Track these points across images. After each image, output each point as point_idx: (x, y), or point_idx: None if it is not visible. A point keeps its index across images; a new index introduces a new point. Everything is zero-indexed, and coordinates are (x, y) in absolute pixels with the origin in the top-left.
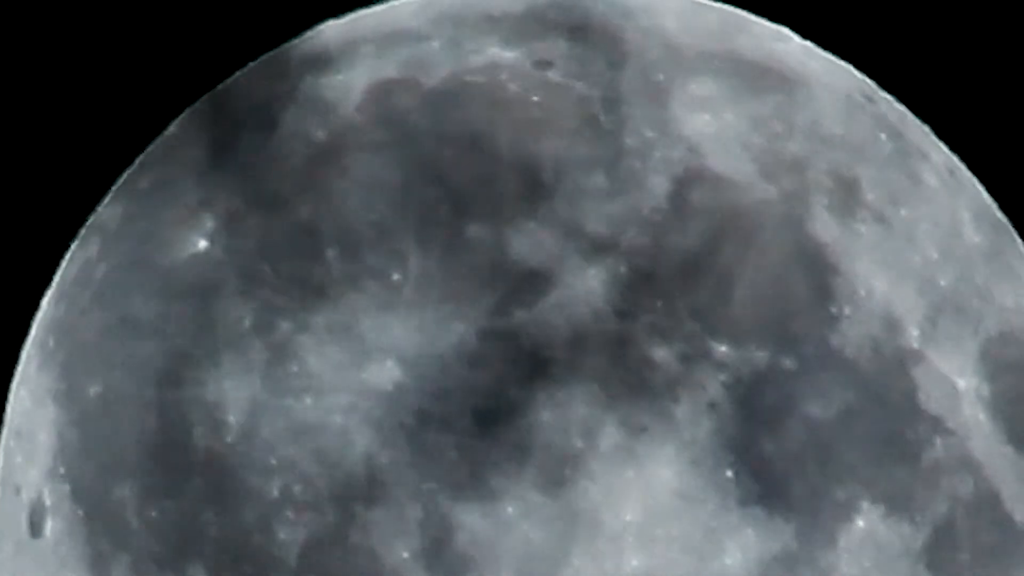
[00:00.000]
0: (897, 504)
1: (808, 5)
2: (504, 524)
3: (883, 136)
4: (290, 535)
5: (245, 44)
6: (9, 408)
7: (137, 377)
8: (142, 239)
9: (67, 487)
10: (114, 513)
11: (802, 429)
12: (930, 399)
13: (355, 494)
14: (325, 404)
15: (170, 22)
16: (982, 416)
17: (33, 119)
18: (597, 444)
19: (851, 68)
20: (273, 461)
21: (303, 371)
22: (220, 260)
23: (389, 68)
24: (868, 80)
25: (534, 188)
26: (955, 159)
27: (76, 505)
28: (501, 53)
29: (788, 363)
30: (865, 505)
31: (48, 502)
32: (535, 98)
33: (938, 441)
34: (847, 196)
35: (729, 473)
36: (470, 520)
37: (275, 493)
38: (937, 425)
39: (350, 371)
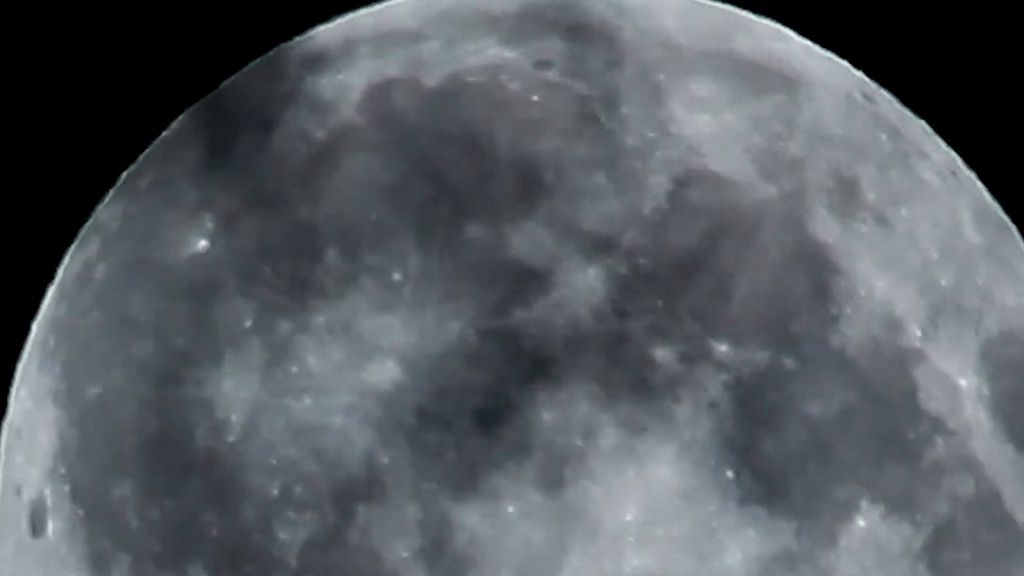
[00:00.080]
0: (898, 504)
1: (808, 5)
2: (504, 524)
3: (883, 136)
4: (290, 535)
5: (245, 44)
6: (10, 408)
7: (137, 377)
8: (142, 239)
9: (68, 487)
10: (115, 513)
11: (802, 429)
12: (931, 399)
13: (355, 494)
14: (325, 404)
15: (170, 22)
16: (983, 416)
17: (33, 119)
18: (597, 444)
19: (851, 67)
20: (273, 461)
21: (303, 371)
22: (220, 260)
23: (389, 68)
24: (868, 79)
25: (534, 188)
26: (956, 158)
27: (77, 505)
28: (501, 53)
29: (789, 363)
30: (865, 505)
31: (49, 502)
32: (535, 98)
33: (939, 441)
34: (847, 196)
35: (730, 473)
36: (470, 520)
37: (275, 493)
38: (938, 425)
39: (350, 371)
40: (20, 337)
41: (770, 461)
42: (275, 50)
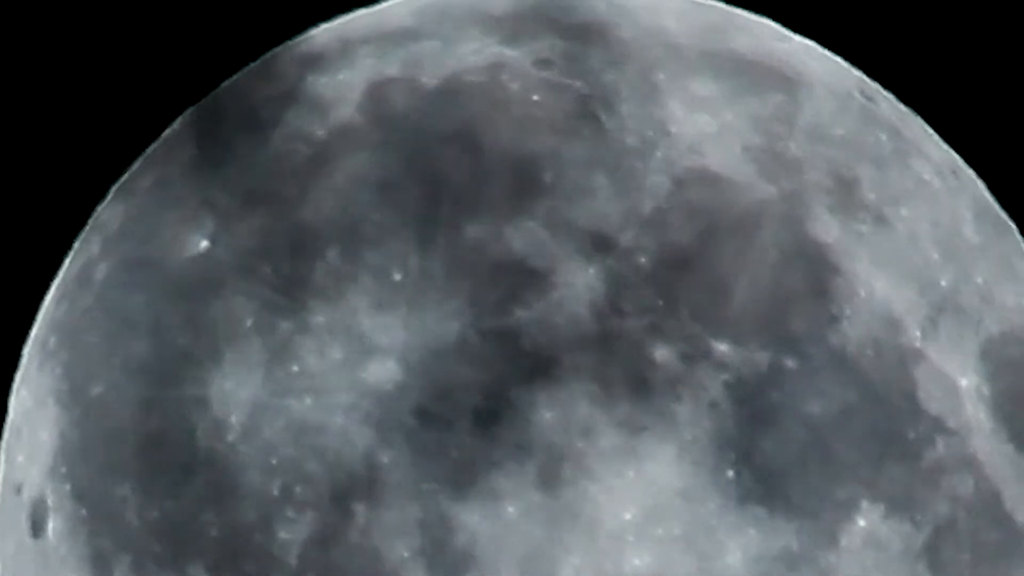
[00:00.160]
0: (898, 504)
1: (808, 5)
2: (504, 523)
3: (883, 135)
4: (290, 534)
5: (245, 44)
6: (11, 408)
7: (138, 377)
8: (143, 239)
9: (68, 486)
10: (115, 512)
11: (803, 429)
12: (931, 399)
13: (355, 494)
14: (326, 404)
15: (170, 22)
16: (983, 415)
17: (34, 119)
18: (597, 444)
19: (851, 67)
20: (273, 461)
21: (304, 371)
22: (220, 260)
23: (389, 67)
24: (868, 79)
25: (535, 187)
26: (956, 158)
27: (77, 504)
28: (501, 52)
29: (789, 363)
30: (866, 505)
31: (49, 501)
32: (535, 97)
33: (939, 441)
34: (847, 196)
35: (730, 473)
36: (470, 520)
37: (275, 492)
38: (938, 425)
39: (350, 371)
40: (21, 337)
41: (770, 461)
42: (275, 50)
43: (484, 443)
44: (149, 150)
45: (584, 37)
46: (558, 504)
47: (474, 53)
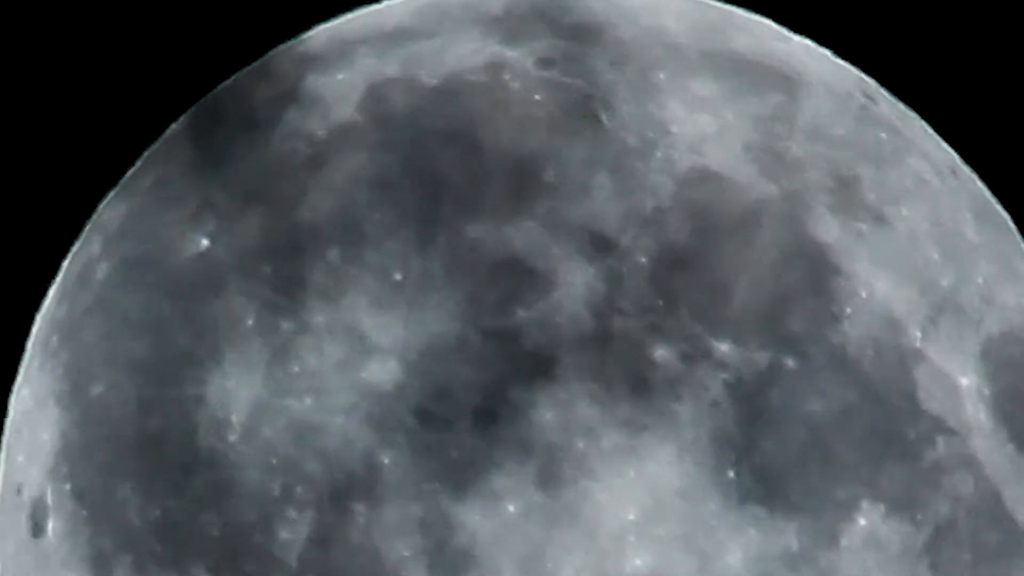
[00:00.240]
0: (898, 503)
1: (808, 5)
2: (505, 523)
3: (884, 135)
4: (291, 534)
5: (245, 44)
6: (11, 408)
7: (138, 377)
8: (144, 239)
9: (69, 486)
10: (116, 513)
11: (803, 429)
12: (931, 399)
13: (356, 493)
14: (326, 404)
15: (171, 23)
16: (983, 415)
17: (35, 119)
18: (598, 443)
19: (851, 67)
20: (274, 460)
21: (304, 371)
22: (221, 260)
23: (389, 67)
24: (868, 79)
25: (535, 187)
26: (956, 158)
27: (78, 505)
28: (502, 52)
29: (789, 363)
30: (866, 504)
31: (50, 502)
32: (536, 97)
33: (939, 440)
34: (848, 195)
35: (731, 472)
36: (471, 519)
37: (276, 492)
38: (938, 424)
39: (351, 371)
40: (22, 337)
41: (771, 460)
42: (275, 50)
43: (484, 443)
44: (149, 150)
45: (584, 37)
46: (558, 504)
47: (474, 53)
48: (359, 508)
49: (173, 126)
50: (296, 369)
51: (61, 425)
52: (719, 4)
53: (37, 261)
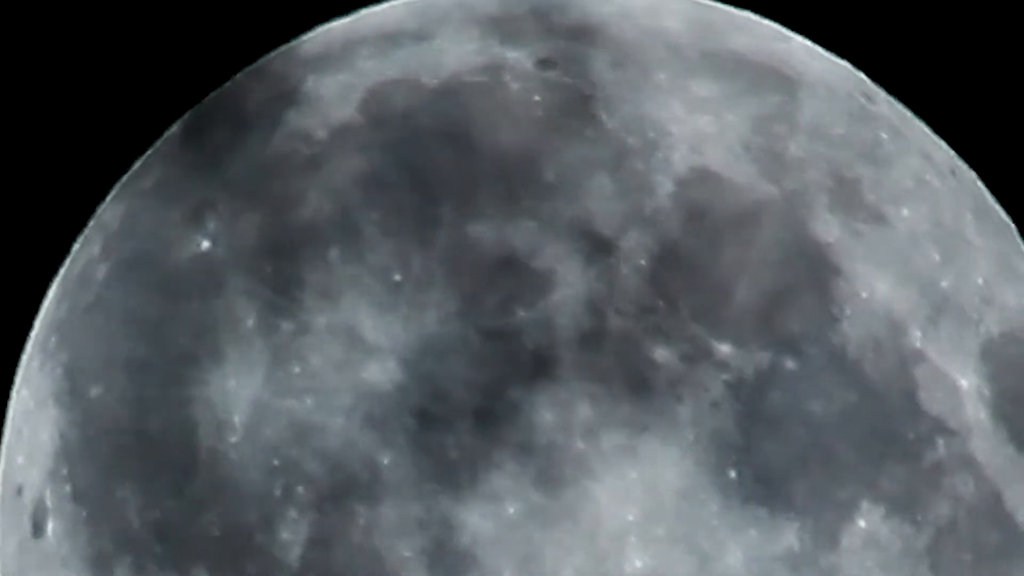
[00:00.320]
0: (899, 504)
1: (808, 5)
2: (506, 524)
3: (884, 136)
4: (292, 535)
5: (246, 45)
6: (11, 408)
7: (139, 377)
8: (144, 239)
9: (69, 487)
10: (116, 513)
11: (804, 429)
12: (931, 399)
13: (357, 494)
14: (327, 404)
15: (171, 23)
16: (984, 416)
17: (35, 119)
18: (599, 444)
19: (851, 68)
20: (275, 461)
21: (305, 371)
22: (222, 260)
23: (389, 68)
24: (868, 80)
25: (536, 188)
26: (956, 158)
27: (78, 505)
28: (502, 53)
29: (790, 363)
30: (867, 505)
31: (50, 502)
32: (537, 98)
33: (940, 441)
34: (848, 196)
35: (731, 473)
36: (471, 520)
37: (277, 493)
38: (938, 425)
39: (352, 371)
40: (21, 337)
41: (771, 461)
42: (276, 51)
43: (485, 443)
44: (150, 150)
45: (585, 37)
46: (559, 504)
47: (475, 53)
48: (360, 509)
49: (173, 127)
50: (296, 369)
51: (61, 426)
52: (719, 4)
53: (37, 261)
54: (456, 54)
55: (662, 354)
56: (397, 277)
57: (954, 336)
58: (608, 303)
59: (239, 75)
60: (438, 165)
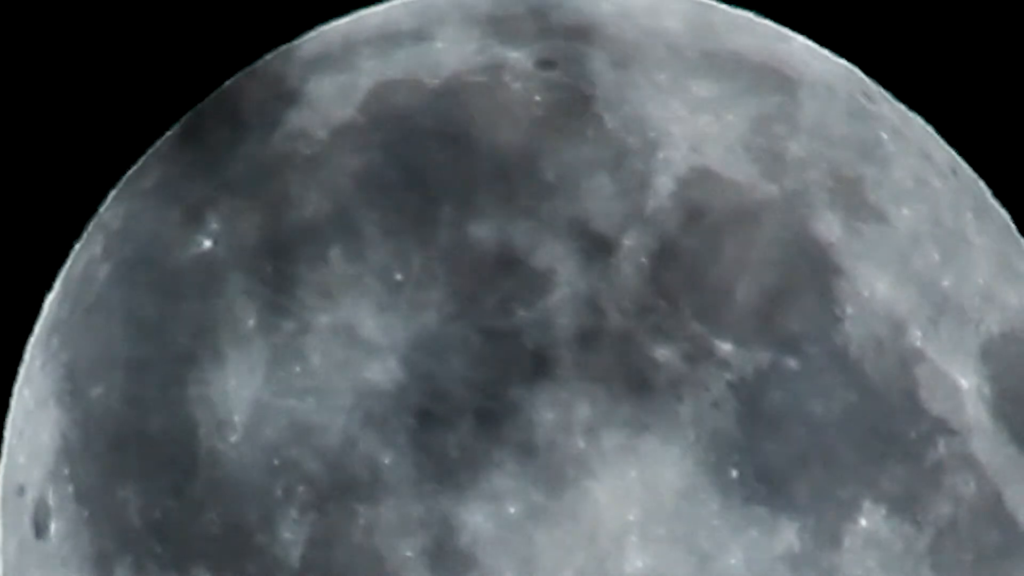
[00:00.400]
0: (900, 504)
1: (809, 5)
2: (506, 524)
3: (885, 136)
4: (293, 535)
5: (247, 44)
6: (12, 408)
7: (140, 377)
8: (145, 239)
9: (70, 487)
10: (117, 513)
11: (805, 429)
12: (932, 399)
13: (357, 494)
14: (328, 404)
15: (173, 23)
16: (984, 416)
17: (36, 119)
18: (600, 444)
19: (852, 68)
20: (276, 461)
21: (306, 371)
22: (223, 260)
23: (390, 68)
24: (869, 80)
25: (536, 188)
26: (957, 158)
27: (80, 505)
28: (503, 53)
29: (791, 363)
30: (868, 505)
31: (52, 502)
32: (538, 98)
33: (941, 441)
34: (849, 196)
35: (733, 473)
36: (472, 520)
37: (278, 493)
38: (939, 425)
39: (352, 371)
40: (23, 337)
41: (772, 461)
42: (276, 51)
43: (486, 443)
44: (151, 150)
45: (586, 38)
46: (560, 504)
47: (475, 53)
48: (360, 508)
49: (174, 127)
50: (297, 369)
51: (62, 425)
52: (719, 4)
53: (38, 261)
54: (456, 54)
55: (663, 354)
56: (398, 277)
57: (955, 336)
58: (609, 303)
59: (240, 75)
60: (438, 165)
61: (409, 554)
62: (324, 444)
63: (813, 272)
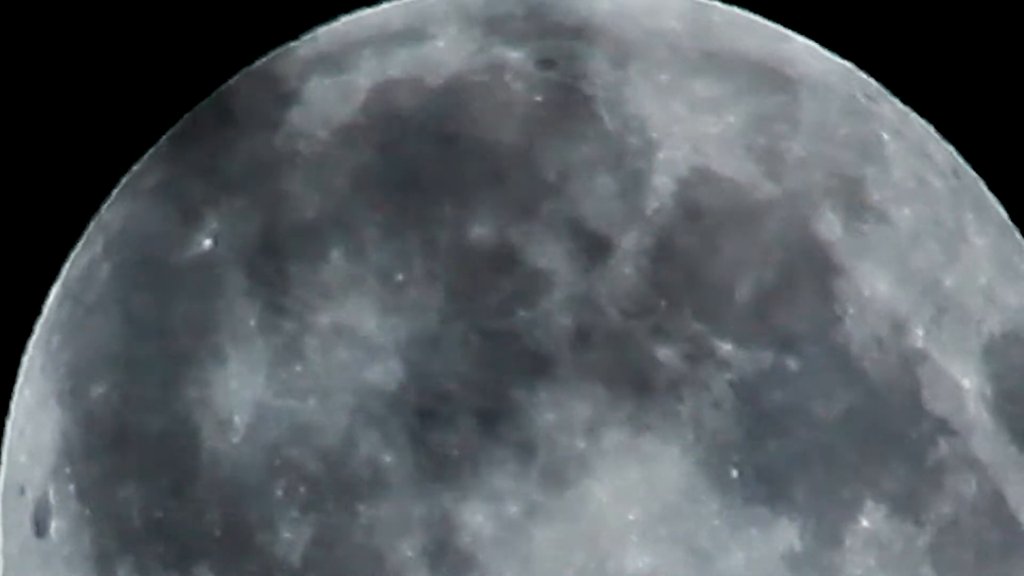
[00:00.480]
0: (901, 504)
1: (810, 5)
2: (507, 524)
3: (886, 136)
4: (294, 535)
5: (248, 44)
6: (13, 408)
7: (141, 377)
8: (146, 239)
9: (72, 487)
10: (119, 513)
11: (806, 429)
12: (934, 399)
13: (359, 494)
14: (329, 404)
15: (173, 22)
16: (986, 416)
17: (37, 119)
18: (600, 443)
19: (853, 68)
20: (277, 461)
21: (307, 371)
22: (224, 260)
23: (392, 68)
24: (871, 80)
25: (538, 188)
26: (958, 158)
27: (81, 505)
28: (504, 53)
29: (792, 363)
30: (869, 505)
31: (53, 502)
32: (538, 98)
33: (942, 441)
34: (851, 196)
35: (734, 473)
36: (473, 520)
37: (279, 493)
38: (941, 425)
39: (353, 371)
40: (23, 337)
41: (774, 461)
42: (277, 50)
43: (486, 443)
44: (152, 150)
45: (587, 37)
46: (561, 504)
47: (475, 53)
48: (361, 508)
49: (174, 127)
50: (298, 369)
51: (63, 425)
52: (720, 4)
53: (39, 261)
54: (456, 54)
55: (663, 353)
56: (399, 277)
57: (956, 336)
58: (610, 303)
59: (241, 75)
60: (438, 165)
61: (409, 554)
62: (325, 444)
63: (814, 272)
